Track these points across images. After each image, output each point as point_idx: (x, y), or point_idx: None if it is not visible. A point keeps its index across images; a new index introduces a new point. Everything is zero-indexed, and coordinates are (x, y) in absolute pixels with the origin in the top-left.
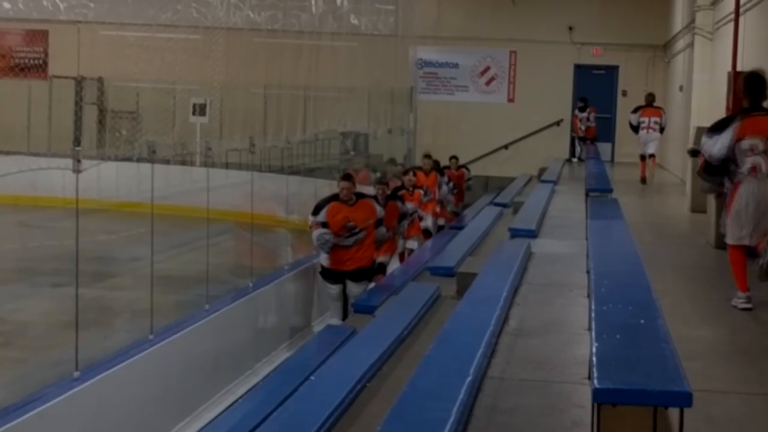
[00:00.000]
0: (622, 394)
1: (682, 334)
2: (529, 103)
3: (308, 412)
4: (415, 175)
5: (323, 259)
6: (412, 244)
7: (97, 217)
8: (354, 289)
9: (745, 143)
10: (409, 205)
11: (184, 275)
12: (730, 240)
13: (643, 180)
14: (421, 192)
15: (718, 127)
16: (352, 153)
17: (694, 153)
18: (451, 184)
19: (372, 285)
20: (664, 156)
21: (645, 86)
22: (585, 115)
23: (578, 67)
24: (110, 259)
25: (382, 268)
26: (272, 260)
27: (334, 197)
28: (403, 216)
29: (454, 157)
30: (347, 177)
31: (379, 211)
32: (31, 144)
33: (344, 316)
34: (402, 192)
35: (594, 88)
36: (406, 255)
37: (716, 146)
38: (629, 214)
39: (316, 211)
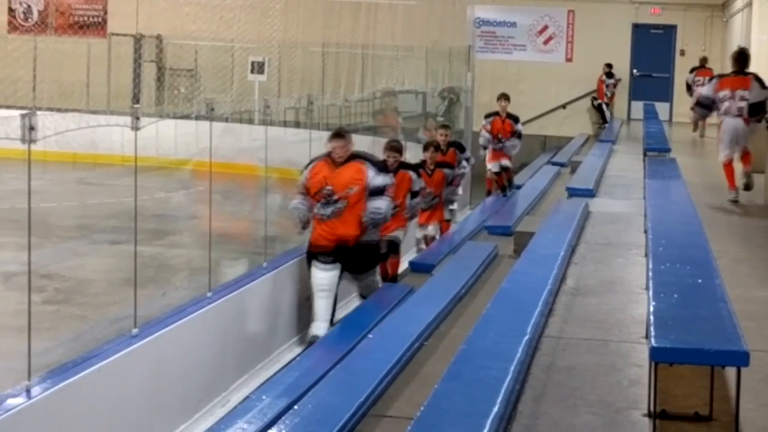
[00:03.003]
0: (679, 354)
1: (739, 294)
2: (587, 63)
3: (366, 370)
4: (437, 150)
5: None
6: (433, 230)
7: (155, 175)
8: (317, 273)
9: (720, 94)
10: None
11: (242, 233)
12: (720, 159)
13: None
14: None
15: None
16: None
17: (754, 110)
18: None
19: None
20: None
21: (703, 46)
22: (612, 81)
23: (636, 27)
24: (168, 216)
25: (394, 247)
26: None
27: (327, 155)
28: (415, 193)
29: (504, 97)
30: (338, 135)
31: (372, 177)
32: (90, 101)
33: (332, 317)
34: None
35: (652, 47)
36: (427, 241)
37: (704, 90)
38: (687, 174)
39: (303, 170)
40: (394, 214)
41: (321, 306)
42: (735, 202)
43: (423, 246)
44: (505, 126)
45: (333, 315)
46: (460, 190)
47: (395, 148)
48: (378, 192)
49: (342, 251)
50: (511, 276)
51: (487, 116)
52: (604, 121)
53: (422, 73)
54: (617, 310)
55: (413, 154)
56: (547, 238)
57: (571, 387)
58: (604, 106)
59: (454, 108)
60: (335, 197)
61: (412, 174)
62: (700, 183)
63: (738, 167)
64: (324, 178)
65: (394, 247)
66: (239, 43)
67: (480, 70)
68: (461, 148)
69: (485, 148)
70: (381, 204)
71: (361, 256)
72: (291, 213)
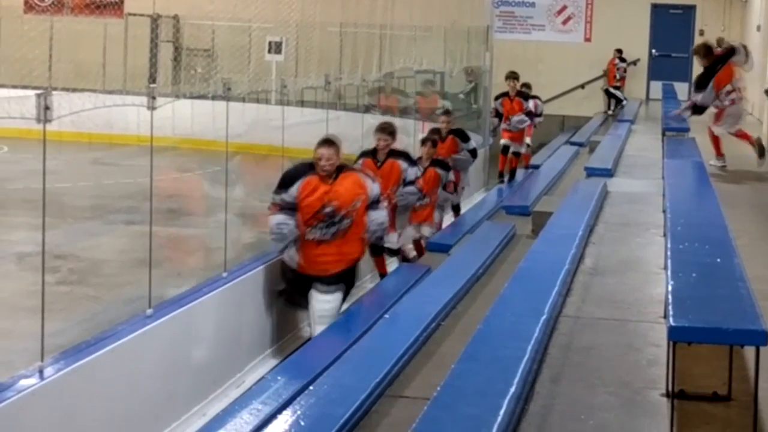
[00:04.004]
0: (697, 333)
1: (758, 273)
2: (605, 43)
3: (383, 350)
4: (434, 145)
5: (292, 260)
6: (427, 231)
7: (171, 155)
8: (320, 299)
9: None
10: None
11: (259, 213)
12: (731, 131)
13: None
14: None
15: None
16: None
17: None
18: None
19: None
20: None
21: (722, 26)
22: (624, 65)
23: (655, 7)
24: (184, 196)
25: (378, 248)
26: None
27: (311, 167)
28: (409, 182)
29: (513, 76)
30: (327, 142)
31: (371, 186)
32: (106, 81)
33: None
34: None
35: (670, 27)
36: (422, 244)
37: (699, 99)
38: (706, 154)
39: (284, 184)
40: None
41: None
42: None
43: (411, 248)
44: (514, 105)
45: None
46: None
47: (387, 129)
48: (375, 202)
49: (343, 273)
50: (529, 256)
51: (497, 97)
52: (618, 101)
53: (440, 53)
54: (635, 289)
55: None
56: (565, 218)
57: (588, 367)
58: (611, 89)
59: (478, 91)
60: (339, 216)
61: (402, 163)
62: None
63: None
64: (322, 198)
65: (389, 251)
66: (257, 23)
67: (498, 51)
68: (464, 137)
69: (494, 130)
70: (381, 217)
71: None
72: (275, 232)
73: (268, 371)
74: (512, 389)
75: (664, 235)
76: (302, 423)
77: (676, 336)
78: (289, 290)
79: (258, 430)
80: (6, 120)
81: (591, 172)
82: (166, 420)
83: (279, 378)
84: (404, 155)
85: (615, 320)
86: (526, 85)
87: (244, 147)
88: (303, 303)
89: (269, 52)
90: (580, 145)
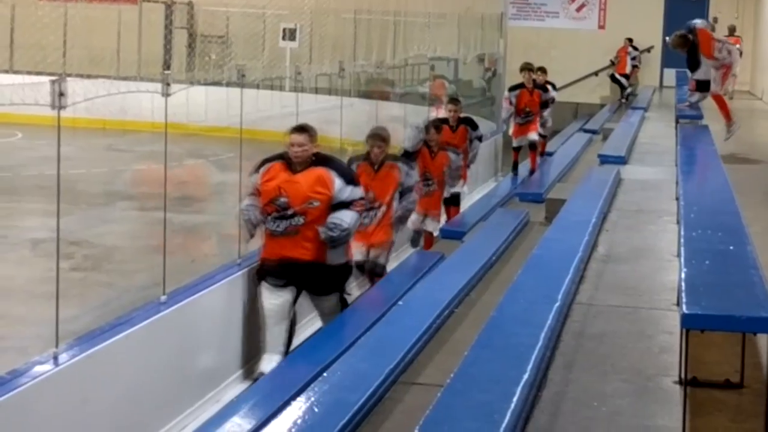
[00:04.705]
0: (710, 320)
1: None
2: (619, 30)
3: (396, 337)
4: (439, 131)
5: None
6: (431, 225)
7: (185, 141)
8: (266, 296)
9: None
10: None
11: None
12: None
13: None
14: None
15: None
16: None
17: None
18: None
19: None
20: (755, 84)
21: (735, 13)
22: (637, 53)
23: None
24: (198, 183)
25: (380, 270)
26: None
27: (286, 155)
28: (408, 189)
29: (528, 67)
30: (299, 129)
31: (339, 188)
32: (120, 68)
33: (287, 347)
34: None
35: (684, 14)
36: (426, 238)
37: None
38: (719, 141)
39: (255, 170)
40: (383, 217)
41: (271, 335)
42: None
43: (419, 236)
44: (534, 98)
45: (289, 344)
46: (465, 188)
47: (381, 136)
48: (343, 206)
49: (295, 271)
50: (542, 243)
51: (511, 89)
52: (623, 89)
53: (454, 40)
54: (648, 277)
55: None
56: (578, 205)
57: (601, 354)
58: (617, 76)
59: (495, 80)
60: (291, 211)
61: (401, 166)
62: (732, 149)
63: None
64: (278, 187)
65: (379, 271)
66: (271, 9)
67: (512, 38)
68: (473, 125)
69: (506, 121)
70: (345, 216)
71: (321, 277)
72: (243, 213)
73: (282, 358)
74: (525, 376)
75: (678, 222)
76: (316, 409)
77: (689, 323)
78: (258, 273)
79: (272, 417)
80: (20, 106)
81: (604, 160)
82: (180, 406)
83: (293, 365)
84: (402, 159)
85: (628, 307)
86: (542, 70)
87: (258, 133)
88: (269, 286)
89: (283, 38)
90: (594, 132)
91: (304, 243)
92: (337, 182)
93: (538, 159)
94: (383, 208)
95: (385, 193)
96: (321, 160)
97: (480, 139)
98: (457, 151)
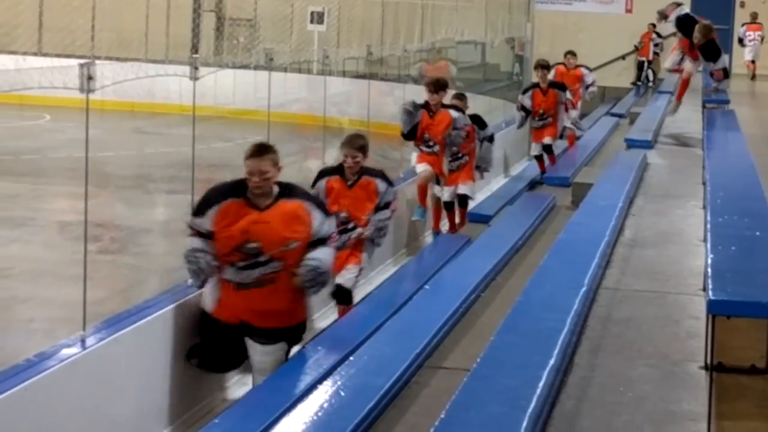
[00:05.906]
0: (736, 306)
1: None
2: (646, 14)
3: (422, 321)
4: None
5: (208, 300)
6: (448, 195)
7: (213, 124)
8: (258, 350)
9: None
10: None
11: (301, 182)
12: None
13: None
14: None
15: None
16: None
17: None
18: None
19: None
20: None
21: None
22: (661, 40)
23: None
24: (226, 166)
25: (344, 296)
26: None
27: (240, 186)
28: (386, 204)
29: (543, 65)
30: (258, 151)
31: (320, 224)
32: (149, 51)
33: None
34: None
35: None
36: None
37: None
38: (745, 126)
39: (198, 209)
40: (358, 237)
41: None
42: None
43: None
44: (548, 99)
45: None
46: (474, 187)
47: (356, 143)
48: (320, 241)
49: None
50: (569, 227)
51: (524, 91)
52: (638, 78)
53: (482, 23)
54: (675, 262)
55: (473, 104)
56: (605, 190)
57: (627, 339)
58: (646, 64)
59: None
60: (264, 258)
61: (379, 183)
62: (759, 135)
63: None
64: (244, 230)
65: (344, 296)
66: None
67: (539, 21)
68: (481, 124)
69: (520, 127)
70: (322, 255)
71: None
72: (190, 260)
73: (307, 342)
74: (551, 361)
75: (704, 207)
76: (342, 393)
77: (715, 309)
78: (203, 348)
79: (299, 400)
80: (48, 89)
81: (631, 144)
82: (209, 388)
83: (319, 348)
84: (381, 174)
85: (654, 292)
86: (572, 53)
87: (286, 116)
88: (222, 366)
89: (311, 22)
90: (621, 116)
91: (278, 291)
92: (317, 217)
93: (547, 161)
94: (358, 230)
95: (360, 213)
96: (287, 190)
97: (491, 139)
98: (461, 109)
